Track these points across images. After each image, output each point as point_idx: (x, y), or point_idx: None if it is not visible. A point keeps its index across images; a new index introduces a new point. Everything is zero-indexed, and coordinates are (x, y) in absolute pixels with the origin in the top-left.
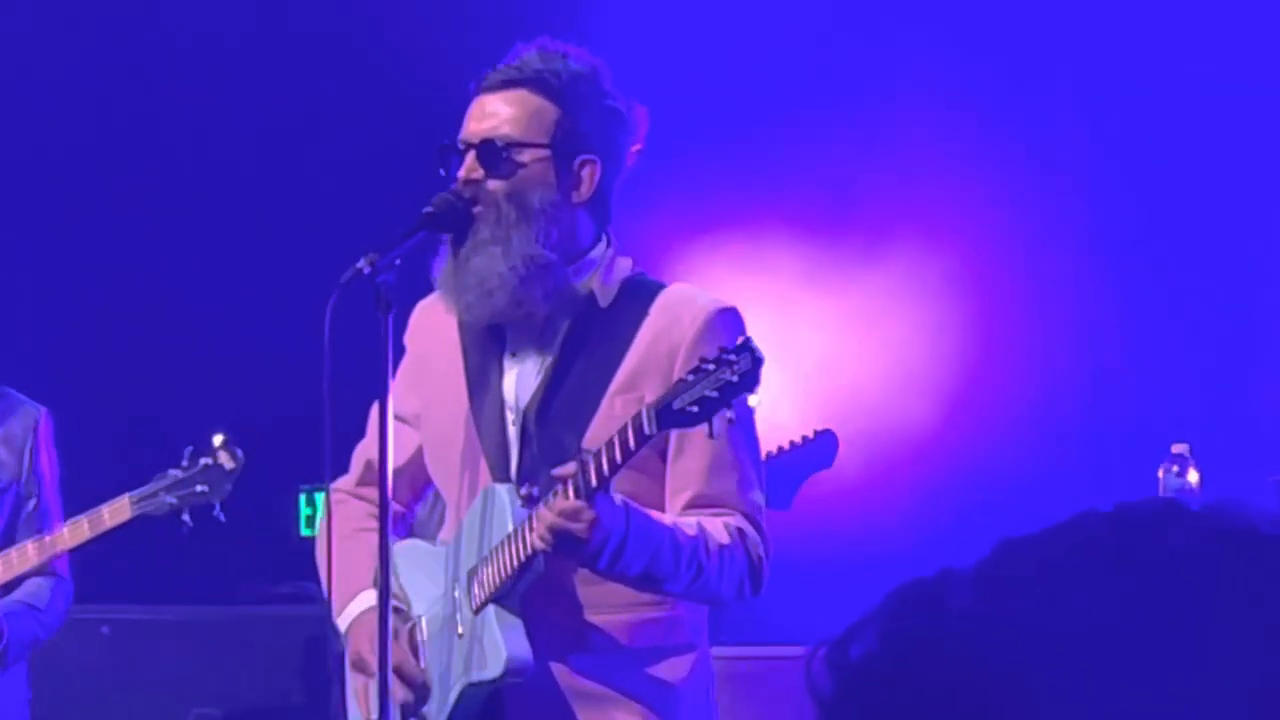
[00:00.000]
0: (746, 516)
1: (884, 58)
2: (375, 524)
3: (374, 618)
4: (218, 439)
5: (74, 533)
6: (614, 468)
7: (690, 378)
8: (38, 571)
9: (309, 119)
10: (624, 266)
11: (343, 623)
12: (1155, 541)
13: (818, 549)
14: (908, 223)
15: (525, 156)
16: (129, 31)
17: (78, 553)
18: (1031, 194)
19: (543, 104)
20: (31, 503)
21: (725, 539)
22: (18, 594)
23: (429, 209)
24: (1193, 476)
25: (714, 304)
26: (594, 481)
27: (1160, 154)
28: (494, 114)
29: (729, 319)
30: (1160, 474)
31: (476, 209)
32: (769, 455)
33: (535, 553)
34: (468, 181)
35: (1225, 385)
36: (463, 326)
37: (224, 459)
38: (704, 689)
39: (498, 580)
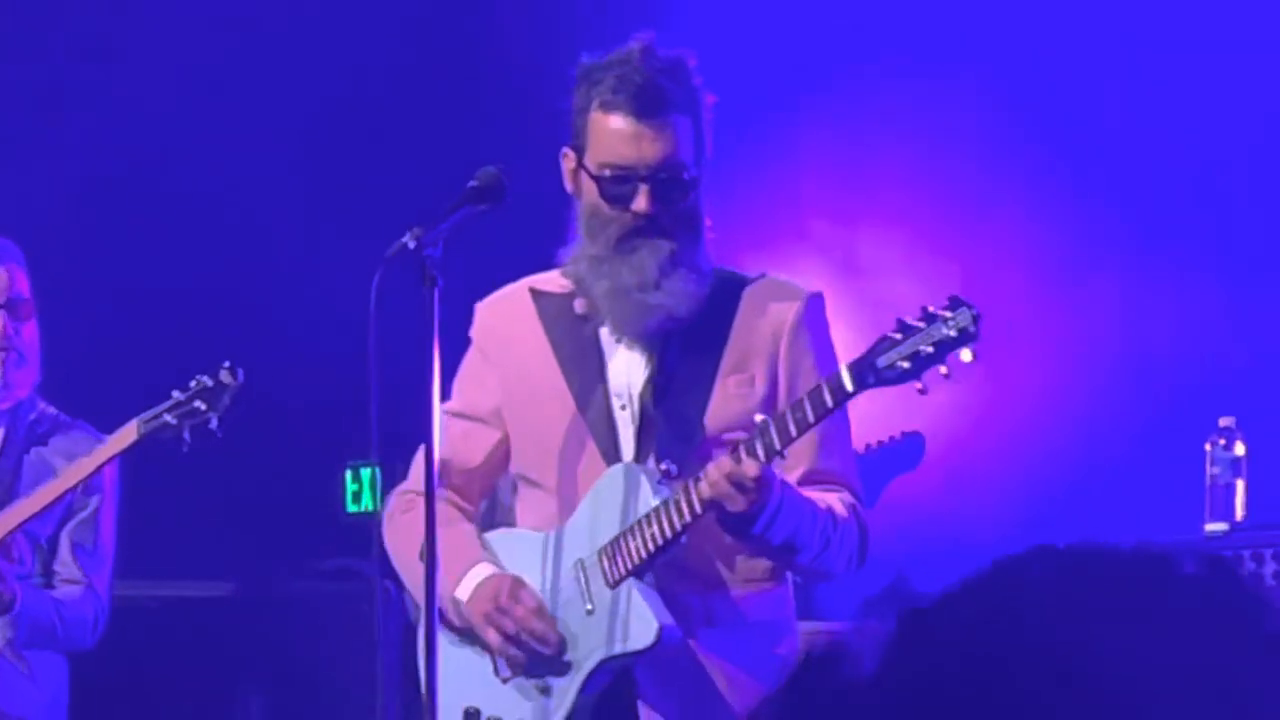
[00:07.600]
0: (853, 492)
1: (922, 56)
2: (459, 517)
3: (499, 583)
4: (223, 366)
5: (79, 467)
6: (802, 429)
7: (897, 335)
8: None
9: (356, 96)
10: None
11: (463, 591)
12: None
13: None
14: (960, 200)
15: (693, 182)
16: (172, 13)
17: (124, 526)
18: (1078, 173)
19: (695, 129)
20: (84, 513)
21: (844, 513)
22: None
23: (473, 183)
24: (1240, 450)
25: (807, 287)
26: (777, 444)
27: (1204, 134)
28: (666, 141)
29: (822, 302)
30: (1208, 447)
31: (660, 241)
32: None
33: (689, 524)
34: (646, 214)
35: (1273, 358)
36: (545, 317)
37: (224, 376)
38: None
39: (641, 555)
